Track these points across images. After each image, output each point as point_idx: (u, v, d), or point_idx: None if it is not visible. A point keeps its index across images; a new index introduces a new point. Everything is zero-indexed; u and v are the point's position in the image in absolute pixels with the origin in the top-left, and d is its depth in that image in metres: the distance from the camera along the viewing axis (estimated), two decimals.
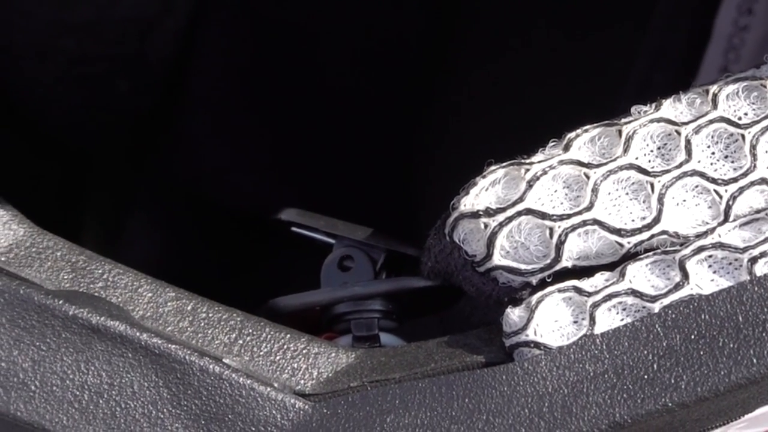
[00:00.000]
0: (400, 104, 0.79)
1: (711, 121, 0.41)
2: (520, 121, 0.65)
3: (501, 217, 0.41)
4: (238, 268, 0.75)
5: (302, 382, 0.41)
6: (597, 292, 0.40)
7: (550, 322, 0.40)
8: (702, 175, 0.40)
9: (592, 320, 0.39)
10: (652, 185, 0.40)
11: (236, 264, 0.75)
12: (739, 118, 0.41)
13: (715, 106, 0.41)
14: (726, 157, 0.41)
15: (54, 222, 0.46)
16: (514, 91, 0.77)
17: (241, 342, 0.42)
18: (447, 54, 0.79)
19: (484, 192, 0.41)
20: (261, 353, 0.42)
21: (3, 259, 0.42)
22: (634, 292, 0.39)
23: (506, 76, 0.78)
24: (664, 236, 0.40)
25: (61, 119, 0.69)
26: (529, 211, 0.41)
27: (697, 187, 0.40)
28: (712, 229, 0.40)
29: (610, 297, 0.40)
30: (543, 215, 0.41)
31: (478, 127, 0.77)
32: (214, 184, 0.76)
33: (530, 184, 0.41)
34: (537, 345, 0.39)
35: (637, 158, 0.41)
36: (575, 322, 0.40)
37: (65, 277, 0.43)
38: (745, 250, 0.39)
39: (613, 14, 0.76)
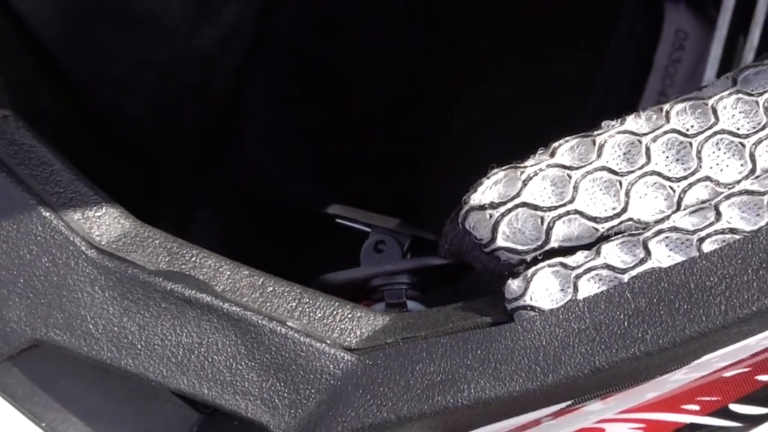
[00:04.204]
0: (409, 124, 0.79)
1: (665, 132, 0.41)
2: (504, 133, 0.64)
3: (502, 209, 0.41)
4: (286, 254, 0.74)
5: (348, 339, 0.42)
6: (579, 267, 0.40)
7: (543, 290, 0.40)
8: (659, 174, 0.41)
9: (576, 288, 0.40)
10: (620, 183, 0.41)
11: (284, 251, 0.75)
12: (687, 130, 0.41)
13: (668, 120, 0.41)
14: (677, 160, 0.41)
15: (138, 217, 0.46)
16: (499, 109, 0.77)
17: (300, 309, 0.42)
18: (444, 82, 0.80)
19: (489, 189, 0.42)
20: (316, 317, 0.42)
21: (114, 246, 0.43)
22: (608, 266, 0.40)
23: (492, 98, 0.78)
24: (631, 222, 0.40)
25: (143, 136, 0.68)
26: (524, 204, 0.41)
27: (655, 183, 0.41)
28: (668, 216, 0.40)
29: (589, 270, 0.40)
30: (535, 207, 0.41)
31: (468, 140, 0.77)
32: (265, 187, 0.75)
33: (525, 183, 0.41)
34: (533, 308, 0.40)
35: (608, 162, 0.41)
36: (562, 290, 0.40)
37: (163, 260, 0.43)
38: (694, 232, 0.39)
39: (576, 45, 0.76)
